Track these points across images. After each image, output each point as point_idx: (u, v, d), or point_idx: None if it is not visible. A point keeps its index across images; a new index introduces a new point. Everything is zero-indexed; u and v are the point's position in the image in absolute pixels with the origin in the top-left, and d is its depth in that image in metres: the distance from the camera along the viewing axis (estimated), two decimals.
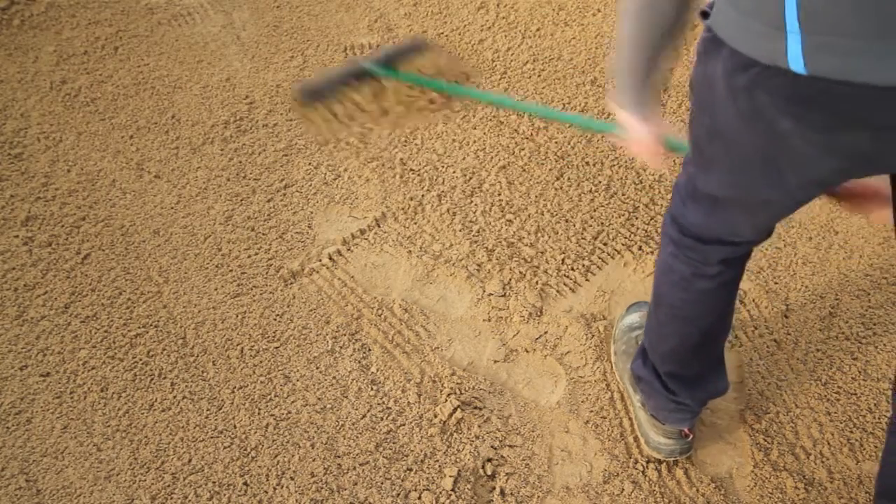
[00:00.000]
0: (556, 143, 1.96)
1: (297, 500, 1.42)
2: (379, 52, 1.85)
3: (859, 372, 1.55)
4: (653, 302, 1.28)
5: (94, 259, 1.76)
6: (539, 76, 2.11)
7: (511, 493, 1.42)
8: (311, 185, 1.89)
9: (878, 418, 1.49)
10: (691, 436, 1.40)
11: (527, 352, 1.61)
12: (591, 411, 1.52)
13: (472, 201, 1.85)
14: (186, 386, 1.57)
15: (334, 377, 1.58)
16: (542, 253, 1.75)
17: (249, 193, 1.87)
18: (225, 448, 1.49)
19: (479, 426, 1.50)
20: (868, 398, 1.51)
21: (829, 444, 1.46)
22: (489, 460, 1.46)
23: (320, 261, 1.76)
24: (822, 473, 1.42)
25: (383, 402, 1.54)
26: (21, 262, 1.74)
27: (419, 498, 1.41)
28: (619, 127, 1.16)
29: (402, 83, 1.79)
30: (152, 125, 2.01)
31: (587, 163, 1.92)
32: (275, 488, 1.44)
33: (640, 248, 1.75)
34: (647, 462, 1.46)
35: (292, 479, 1.45)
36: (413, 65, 1.83)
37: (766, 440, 1.48)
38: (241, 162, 1.93)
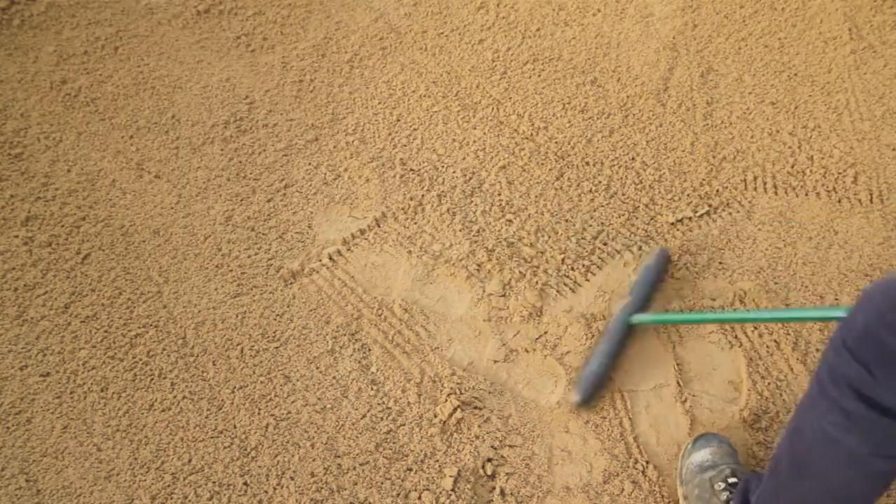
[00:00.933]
0: (556, 143, 1.96)
1: (297, 500, 1.42)
2: (629, 297, 1.60)
3: None
4: (791, 472, 1.05)
5: (94, 259, 1.76)
6: (539, 76, 2.11)
7: (511, 493, 1.42)
8: (311, 185, 1.89)
9: None
10: None
11: (527, 352, 1.61)
12: (591, 411, 1.52)
13: (472, 201, 1.85)
14: (186, 386, 1.57)
15: (334, 377, 1.58)
16: (541, 253, 1.75)
17: (249, 193, 1.87)
18: (225, 448, 1.49)
19: (479, 426, 1.50)
20: None
21: None
22: (489, 460, 1.46)
23: (320, 261, 1.76)
24: None
25: (383, 402, 1.54)
26: (21, 262, 1.74)
27: (419, 498, 1.41)
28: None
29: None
30: (152, 125, 2.01)
31: (587, 163, 1.92)
32: (275, 488, 1.44)
33: (639, 248, 1.75)
34: (647, 462, 1.46)
35: (292, 479, 1.45)
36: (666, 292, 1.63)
37: (766, 440, 1.48)
38: (241, 162, 1.93)
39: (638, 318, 1.55)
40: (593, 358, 1.53)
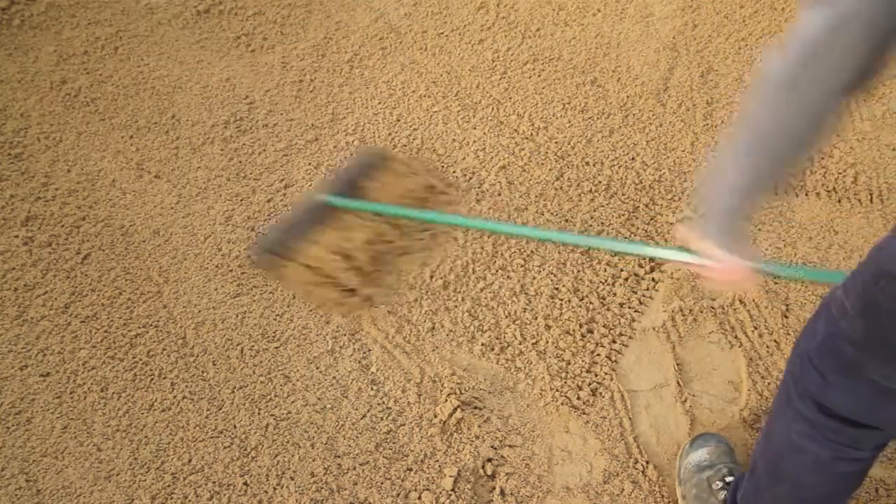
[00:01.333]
0: (556, 143, 1.96)
1: (297, 500, 1.42)
2: (335, 177, 1.65)
3: None
4: (766, 475, 1.09)
5: (94, 259, 1.76)
6: (539, 76, 2.11)
7: (511, 493, 1.42)
8: (311, 185, 1.89)
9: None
10: None
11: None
12: (592, 411, 1.52)
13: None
14: (186, 386, 1.57)
15: (334, 377, 1.58)
16: (541, 253, 1.75)
17: (249, 193, 1.87)
18: (225, 448, 1.49)
19: (479, 426, 1.50)
20: None
21: None
22: (489, 460, 1.46)
23: None
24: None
25: (383, 402, 1.54)
26: (21, 262, 1.74)
27: (419, 498, 1.41)
28: (695, 254, 1.00)
29: (371, 214, 1.60)
30: (152, 125, 2.01)
31: (587, 163, 1.92)
32: (275, 488, 1.44)
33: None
34: (647, 462, 1.46)
35: (292, 479, 1.45)
36: (384, 184, 1.64)
37: None
38: (241, 162, 1.93)
39: (333, 199, 1.59)
40: (280, 224, 1.60)
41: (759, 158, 0.79)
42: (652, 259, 1.73)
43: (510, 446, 1.49)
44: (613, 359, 1.60)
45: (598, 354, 1.60)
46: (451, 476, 1.42)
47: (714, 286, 1.06)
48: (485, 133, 1.99)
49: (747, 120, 0.77)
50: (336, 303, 1.57)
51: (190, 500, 1.42)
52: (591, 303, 1.67)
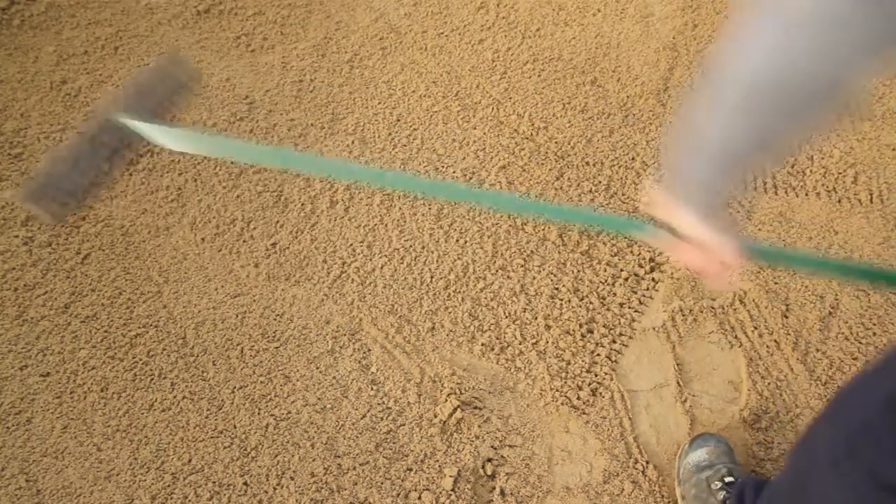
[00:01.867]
0: (556, 143, 1.96)
1: (297, 500, 1.42)
2: (128, 94, 1.26)
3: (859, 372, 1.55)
4: None
5: (94, 259, 1.76)
6: (539, 76, 2.11)
7: (511, 493, 1.42)
8: (311, 186, 1.89)
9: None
10: None
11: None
12: (592, 411, 1.52)
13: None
14: (186, 386, 1.57)
15: (334, 377, 1.58)
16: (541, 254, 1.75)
17: (250, 194, 1.87)
18: (225, 448, 1.49)
19: (479, 426, 1.50)
20: None
21: None
22: (489, 460, 1.46)
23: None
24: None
25: (383, 402, 1.54)
26: (21, 262, 1.74)
27: (419, 498, 1.41)
28: (664, 227, 0.84)
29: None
30: None
31: (587, 163, 1.92)
32: (275, 488, 1.44)
33: (639, 247, 1.75)
34: (647, 462, 1.46)
35: (292, 479, 1.45)
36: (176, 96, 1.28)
37: (766, 440, 1.48)
38: (241, 162, 1.93)
39: (128, 118, 1.18)
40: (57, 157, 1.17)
41: (759, 112, 0.61)
42: (652, 259, 1.73)
43: (510, 446, 1.49)
44: (613, 359, 1.60)
45: (598, 354, 1.60)
46: (451, 476, 1.42)
47: (686, 265, 0.89)
48: (485, 133, 1.99)
49: (745, 59, 0.59)
50: None
51: (190, 500, 1.42)
52: (591, 303, 1.67)
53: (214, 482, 1.44)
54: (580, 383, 1.55)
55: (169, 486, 1.44)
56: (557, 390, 1.55)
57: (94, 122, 1.21)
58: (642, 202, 0.78)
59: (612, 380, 1.56)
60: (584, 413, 1.52)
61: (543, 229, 1.79)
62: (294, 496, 1.43)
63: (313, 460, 1.47)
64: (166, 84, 1.30)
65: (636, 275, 1.71)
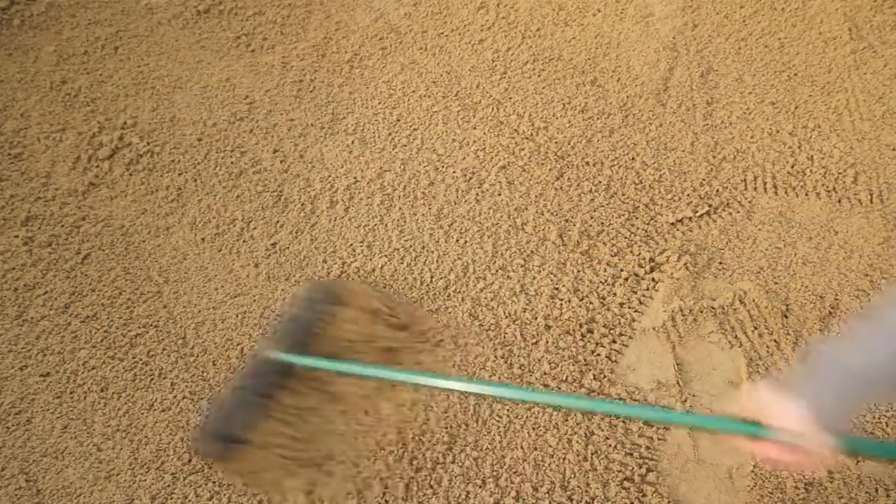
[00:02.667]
0: (556, 143, 1.96)
1: (295, 500, 1.42)
2: (283, 325, 1.36)
3: None
4: None
5: (94, 259, 1.76)
6: (539, 76, 2.11)
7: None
8: (311, 187, 1.89)
9: (878, 418, 1.49)
10: None
11: None
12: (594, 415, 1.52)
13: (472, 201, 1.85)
14: (186, 386, 1.57)
15: None
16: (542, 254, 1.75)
17: (250, 194, 1.87)
18: None
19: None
20: None
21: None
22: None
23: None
24: (821, 473, 1.42)
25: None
26: (21, 262, 1.74)
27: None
28: (768, 428, 0.84)
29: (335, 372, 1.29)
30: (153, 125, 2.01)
31: (587, 163, 1.92)
32: None
33: (639, 247, 1.75)
34: (648, 470, 1.46)
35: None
36: (340, 329, 1.35)
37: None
38: (241, 162, 1.93)
39: (285, 356, 1.29)
40: (227, 399, 1.30)
41: None
42: (652, 259, 1.73)
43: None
44: (613, 359, 1.60)
45: (598, 354, 1.60)
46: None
47: (779, 466, 0.96)
48: (485, 133, 1.99)
49: None
50: (283, 478, 1.31)
51: (190, 500, 1.42)
52: (591, 303, 1.67)
53: (214, 482, 1.44)
54: (580, 383, 1.55)
55: (169, 486, 1.44)
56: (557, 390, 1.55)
57: (254, 362, 1.32)
58: (747, 403, 0.80)
59: (611, 381, 1.56)
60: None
61: (543, 229, 1.79)
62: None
63: None
64: (313, 313, 1.38)
65: (636, 275, 1.71)
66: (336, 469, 1.31)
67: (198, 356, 1.61)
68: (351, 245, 1.78)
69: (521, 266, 1.73)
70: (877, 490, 1.41)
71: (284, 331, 1.35)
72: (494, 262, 1.74)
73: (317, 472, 1.31)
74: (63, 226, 1.81)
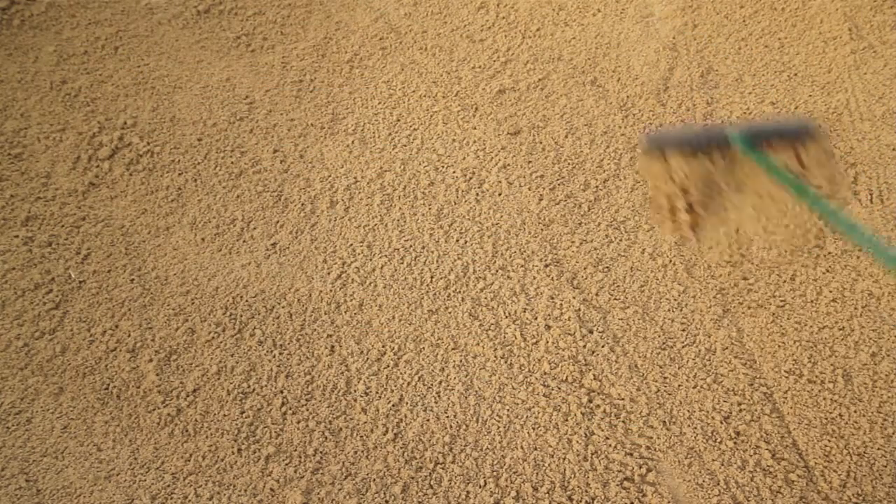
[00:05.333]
0: (555, 142, 1.96)
1: (294, 501, 1.42)
2: (753, 124, 1.48)
3: None
4: None
5: (94, 259, 1.76)
6: (539, 76, 2.11)
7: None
8: (311, 187, 1.89)
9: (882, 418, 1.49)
10: None
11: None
12: (593, 414, 1.52)
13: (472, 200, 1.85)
14: None
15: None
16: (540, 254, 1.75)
17: (250, 194, 1.87)
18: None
19: None
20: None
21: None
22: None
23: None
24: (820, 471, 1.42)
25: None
26: (21, 262, 1.74)
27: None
28: None
29: (763, 172, 1.41)
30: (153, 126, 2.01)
31: (587, 162, 1.92)
32: (274, 490, 1.44)
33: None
34: (648, 470, 1.45)
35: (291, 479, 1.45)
36: (786, 155, 1.44)
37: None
38: (241, 162, 1.93)
39: (741, 140, 1.38)
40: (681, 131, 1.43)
41: None
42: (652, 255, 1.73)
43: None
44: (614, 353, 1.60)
45: (598, 354, 1.60)
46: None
47: None
48: (485, 133, 1.99)
49: None
50: (666, 218, 1.46)
51: (190, 500, 1.42)
52: None
53: (215, 482, 1.44)
54: (580, 385, 1.55)
55: (169, 486, 1.44)
56: (558, 389, 1.55)
57: (713, 128, 1.42)
58: None
59: (612, 383, 1.56)
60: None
61: (544, 229, 1.79)
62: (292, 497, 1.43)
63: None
64: (783, 132, 1.41)
65: None
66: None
67: None
68: (351, 245, 1.78)
69: (521, 266, 1.73)
70: None
71: (752, 128, 1.41)
72: (494, 262, 1.74)
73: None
74: (63, 226, 1.81)
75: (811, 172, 1.43)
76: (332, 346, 1.62)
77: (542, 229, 1.80)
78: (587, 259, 1.74)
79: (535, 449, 1.47)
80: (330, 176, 1.90)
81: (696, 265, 1.72)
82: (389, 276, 1.72)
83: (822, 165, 1.47)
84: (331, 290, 1.71)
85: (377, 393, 1.56)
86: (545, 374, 1.57)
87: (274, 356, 1.61)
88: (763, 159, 1.37)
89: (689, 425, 1.50)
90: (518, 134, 1.95)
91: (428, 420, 1.51)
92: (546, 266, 1.73)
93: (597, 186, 1.87)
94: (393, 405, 1.54)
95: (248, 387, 1.56)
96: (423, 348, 1.62)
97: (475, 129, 2.00)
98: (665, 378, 1.57)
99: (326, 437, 1.50)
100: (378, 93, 2.09)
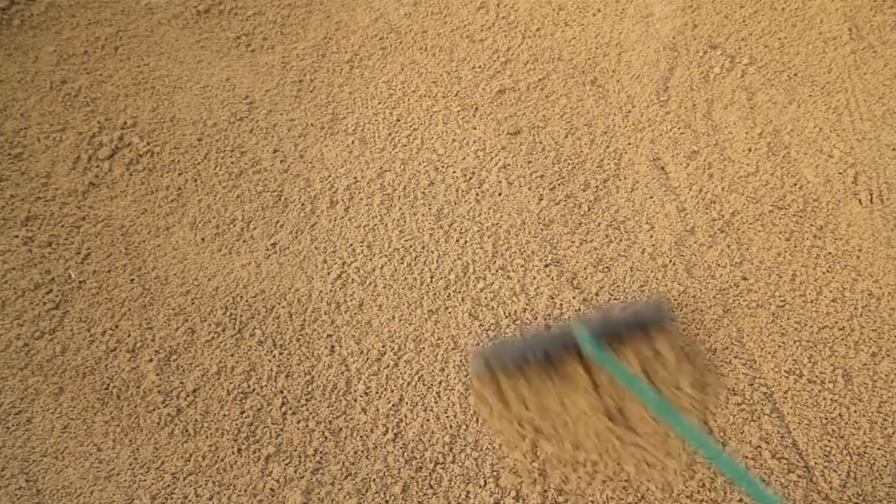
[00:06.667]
0: (556, 142, 1.96)
1: (293, 501, 1.42)
2: (597, 317, 1.34)
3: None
4: None
5: (94, 259, 1.76)
6: (539, 76, 2.11)
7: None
8: (311, 187, 1.89)
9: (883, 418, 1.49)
10: None
11: None
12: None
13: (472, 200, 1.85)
14: None
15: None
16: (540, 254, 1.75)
17: (250, 194, 1.87)
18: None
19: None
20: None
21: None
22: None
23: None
24: (821, 470, 1.42)
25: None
26: (21, 262, 1.74)
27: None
28: None
29: (616, 378, 1.25)
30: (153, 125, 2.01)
31: (587, 162, 1.92)
32: (274, 490, 1.44)
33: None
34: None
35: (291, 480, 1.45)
36: (635, 349, 1.31)
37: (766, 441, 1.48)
38: (241, 162, 1.93)
39: (589, 342, 1.27)
40: (514, 342, 1.32)
41: None
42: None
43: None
44: None
45: None
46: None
47: None
48: (485, 133, 1.99)
49: None
50: (509, 442, 1.36)
51: (190, 500, 1.42)
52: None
53: (215, 482, 1.44)
54: None
55: (169, 486, 1.44)
56: None
57: (562, 328, 1.31)
58: None
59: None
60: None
61: (544, 229, 1.79)
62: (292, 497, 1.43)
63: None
64: (635, 321, 1.33)
65: None
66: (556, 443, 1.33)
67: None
68: (351, 245, 1.78)
69: (521, 266, 1.73)
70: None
71: (602, 323, 1.31)
72: (494, 262, 1.74)
73: (542, 437, 1.33)
74: (63, 226, 1.81)
75: (671, 372, 1.28)
76: (332, 346, 1.62)
77: (542, 229, 1.80)
78: (587, 259, 1.74)
79: None
80: (330, 176, 1.90)
81: (696, 265, 1.72)
82: (389, 276, 1.73)
83: (683, 360, 1.32)
84: (331, 290, 1.71)
85: (377, 393, 1.56)
86: None
87: (274, 356, 1.61)
88: (615, 365, 1.21)
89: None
90: (518, 134, 1.95)
91: (428, 420, 1.51)
92: (546, 266, 1.73)
93: (597, 186, 1.87)
94: (393, 405, 1.54)
95: (248, 387, 1.56)
96: (423, 348, 1.62)
97: (475, 129, 2.00)
98: None
99: (326, 437, 1.50)
100: (378, 93, 2.09)
